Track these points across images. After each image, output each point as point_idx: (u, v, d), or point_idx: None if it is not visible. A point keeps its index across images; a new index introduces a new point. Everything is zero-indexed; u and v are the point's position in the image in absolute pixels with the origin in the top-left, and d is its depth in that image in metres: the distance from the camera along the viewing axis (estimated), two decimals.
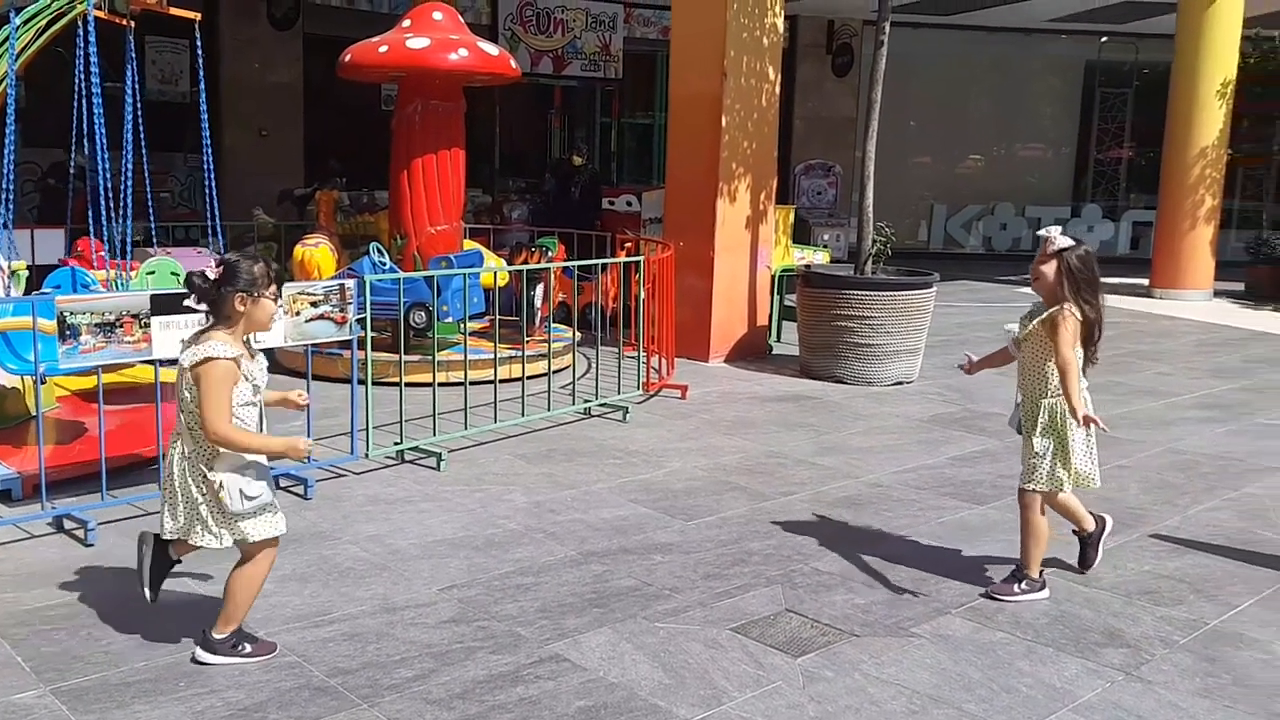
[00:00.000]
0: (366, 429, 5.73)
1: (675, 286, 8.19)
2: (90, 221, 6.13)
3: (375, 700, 3.31)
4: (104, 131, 5.73)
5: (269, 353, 3.72)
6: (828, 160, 19.07)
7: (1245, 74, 14.77)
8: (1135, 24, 18.58)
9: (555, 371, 7.29)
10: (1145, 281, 15.05)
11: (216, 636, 3.49)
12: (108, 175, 5.76)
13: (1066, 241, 4.07)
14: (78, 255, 7.72)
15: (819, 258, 11.94)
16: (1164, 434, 7.03)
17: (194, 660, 3.49)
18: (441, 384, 6.44)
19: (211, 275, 3.37)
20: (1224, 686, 3.56)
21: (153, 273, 6.79)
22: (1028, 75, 20.86)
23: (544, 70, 17.09)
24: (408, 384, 6.26)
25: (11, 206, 5.78)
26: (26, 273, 6.46)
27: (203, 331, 3.43)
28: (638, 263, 7.56)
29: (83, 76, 5.79)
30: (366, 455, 5.74)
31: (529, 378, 6.88)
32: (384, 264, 7.85)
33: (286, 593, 4.08)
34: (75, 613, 3.87)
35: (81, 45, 5.74)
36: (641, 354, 7.66)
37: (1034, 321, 4.12)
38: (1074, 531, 4.48)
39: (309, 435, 5.52)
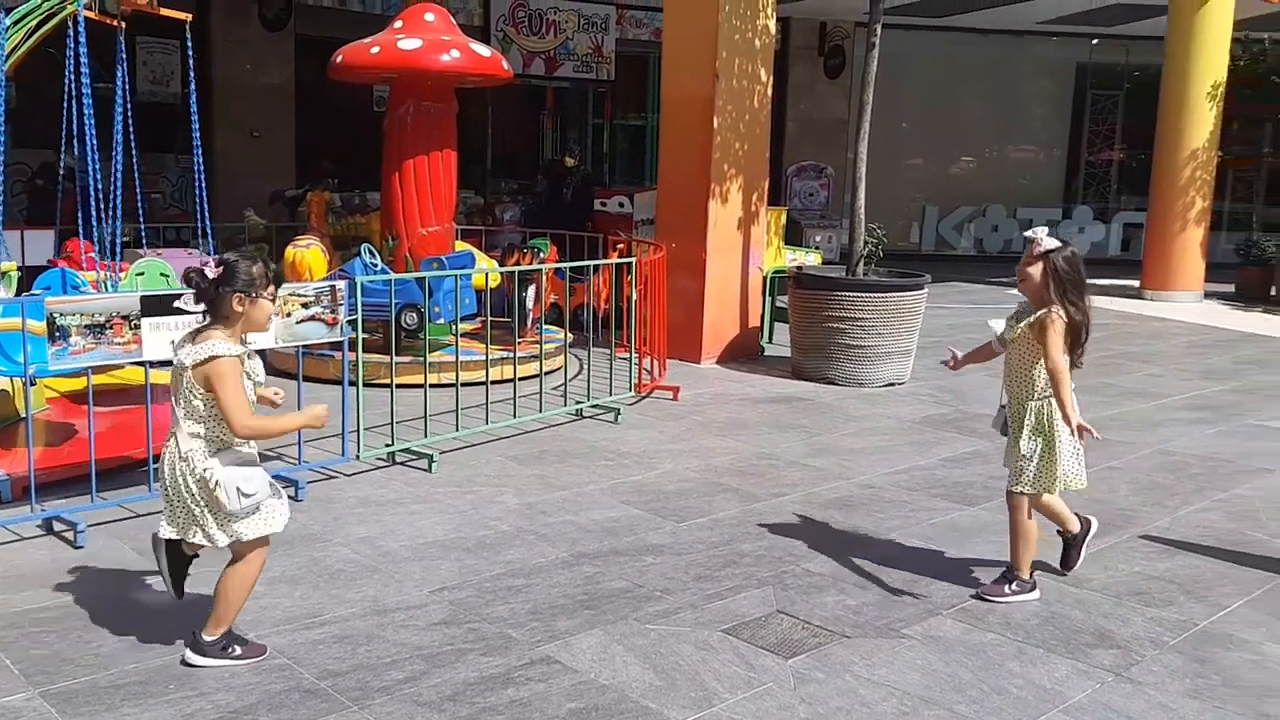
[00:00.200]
0: (358, 430, 5.72)
1: (667, 288, 8.20)
2: (80, 223, 6.11)
3: (365, 703, 3.30)
4: (94, 132, 5.72)
5: (260, 354, 3.71)
6: (820, 162, 19.09)
7: (1235, 76, 14.83)
8: (1126, 26, 18.63)
9: (547, 373, 7.29)
10: (1136, 283, 15.09)
11: (206, 638, 3.48)
12: (98, 176, 5.74)
13: (1053, 243, 4.06)
14: (66, 256, 7.69)
15: (811, 259, 11.95)
16: (1154, 435, 7.05)
17: (184, 662, 3.48)
18: (433, 385, 6.43)
19: (210, 275, 3.37)
20: (1214, 687, 3.57)
21: (142, 274, 6.77)
22: (1019, 77, 20.91)
23: (536, 71, 17.08)
24: (399, 385, 6.24)
25: (1, 208, 5.76)
26: (18, 274, 6.44)
27: (201, 330, 3.42)
28: (630, 264, 7.56)
29: (73, 77, 5.77)
30: (358, 457, 5.73)
31: (521, 379, 6.87)
32: (375, 265, 7.84)
33: (277, 595, 4.07)
34: (64, 615, 3.85)
35: (72, 46, 5.73)
36: (633, 355, 7.66)
37: (1021, 324, 4.12)
38: (1058, 532, 4.48)
39: (299, 435, 5.53)
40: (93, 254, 6.46)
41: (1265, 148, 19.12)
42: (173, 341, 3.63)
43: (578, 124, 18.74)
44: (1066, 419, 4.00)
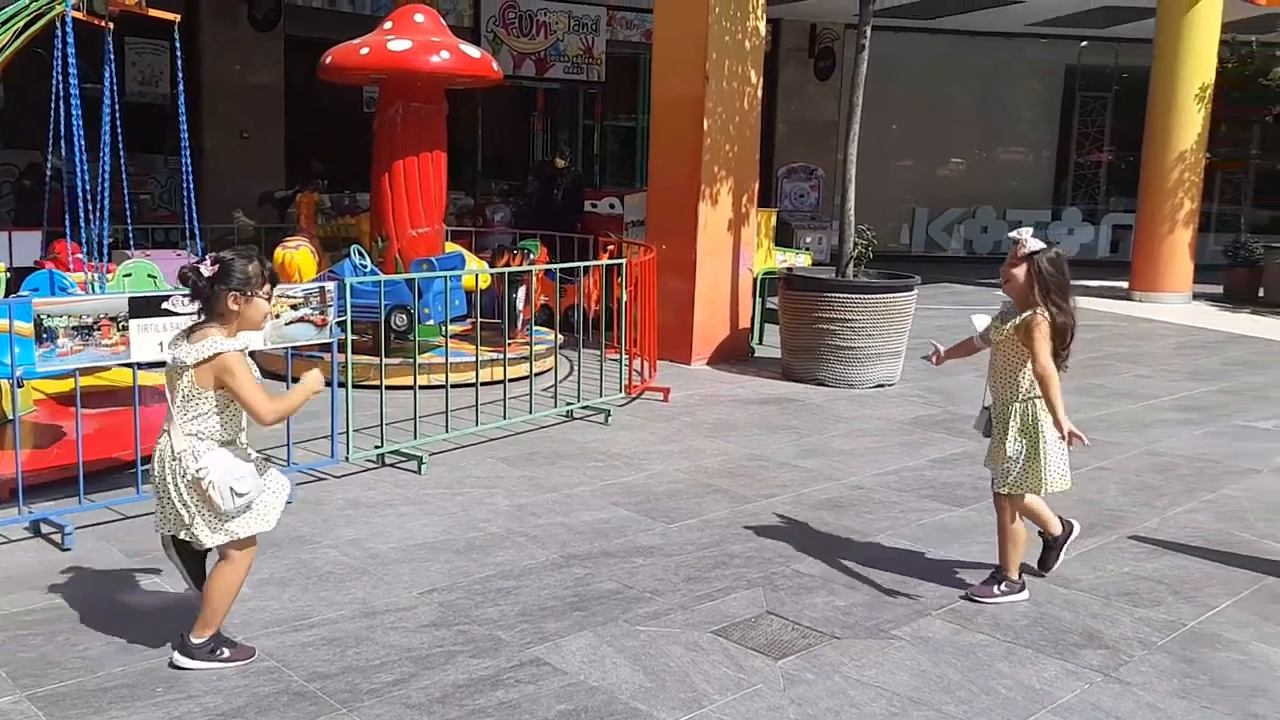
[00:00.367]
0: (347, 432, 5.70)
1: (657, 289, 8.20)
2: (67, 224, 6.09)
3: (354, 705, 3.29)
4: (82, 133, 5.69)
5: (250, 355, 3.70)
6: (810, 163, 19.12)
7: (1223, 79, 14.90)
8: (1115, 29, 18.70)
9: (537, 374, 7.28)
10: (1125, 284, 15.15)
11: (195, 641, 3.47)
12: (85, 177, 5.72)
13: (1037, 244, 4.06)
14: (53, 258, 7.66)
15: (801, 260, 11.97)
16: (1142, 436, 7.08)
17: (172, 665, 3.47)
18: (423, 387, 6.42)
19: (206, 272, 3.36)
20: (1201, 687, 3.58)
21: (129, 275, 6.75)
22: (1008, 79, 20.98)
23: (526, 73, 17.07)
24: (389, 387, 6.23)
25: None
26: (6, 275, 6.41)
27: (196, 328, 3.41)
28: (620, 265, 7.56)
29: (61, 78, 5.75)
30: (347, 458, 5.72)
31: (511, 380, 6.87)
32: (365, 266, 7.83)
33: (265, 597, 4.05)
34: (52, 618, 3.84)
35: (60, 46, 5.71)
36: (624, 356, 7.66)
37: (1007, 325, 4.12)
38: (1039, 533, 4.48)
39: (289, 438, 5.51)
40: (79, 255, 6.43)
41: (1253, 150, 19.20)
42: (161, 344, 3.62)
43: (568, 125, 18.73)
44: (1058, 424, 3.99)
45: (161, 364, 3.82)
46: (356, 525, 4.93)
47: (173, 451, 3.36)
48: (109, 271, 6.58)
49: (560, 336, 8.56)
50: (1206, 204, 16.63)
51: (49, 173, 7.21)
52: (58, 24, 5.75)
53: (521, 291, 8.46)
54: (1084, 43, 20.20)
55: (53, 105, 5.85)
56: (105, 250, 6.22)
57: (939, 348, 4.53)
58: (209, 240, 9.17)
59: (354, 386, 5.83)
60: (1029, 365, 4.06)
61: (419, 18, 8.24)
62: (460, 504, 5.29)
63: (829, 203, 18.56)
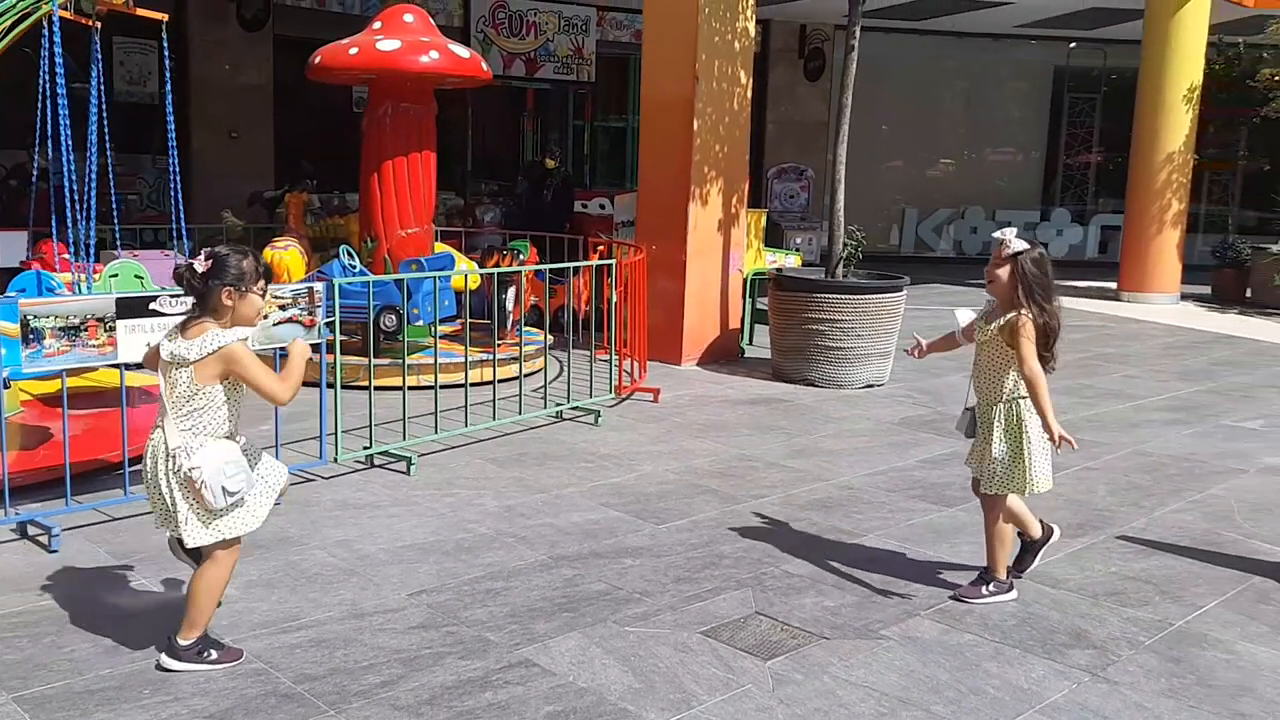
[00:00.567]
0: (335, 433, 5.69)
1: (647, 290, 8.20)
2: (54, 224, 6.06)
3: (342, 707, 3.28)
4: (69, 133, 5.67)
5: None
6: (800, 164, 19.13)
7: (1211, 80, 14.96)
8: (1103, 30, 18.76)
9: (527, 375, 7.28)
10: (1113, 285, 15.19)
11: (182, 643, 3.45)
12: (72, 177, 5.70)
13: (1021, 245, 4.05)
14: (39, 258, 7.63)
15: (790, 261, 11.98)
16: (1130, 436, 7.10)
17: (159, 667, 3.46)
18: (412, 388, 6.41)
19: (199, 268, 3.36)
20: (1188, 687, 3.60)
21: (116, 275, 6.72)
22: (997, 80, 21.02)
23: (516, 73, 17.04)
24: (377, 388, 6.22)
25: None
26: None
27: (191, 323, 3.40)
28: (610, 266, 7.56)
29: (48, 77, 5.72)
30: (335, 459, 5.71)
31: (500, 381, 6.86)
32: (354, 267, 7.81)
33: (253, 598, 4.04)
34: (38, 620, 3.82)
35: (47, 45, 5.68)
36: (614, 357, 7.66)
37: (992, 326, 4.13)
38: (1019, 535, 4.45)
39: (276, 439, 5.49)
40: (66, 256, 6.40)
41: (1240, 151, 19.28)
42: (149, 344, 3.60)
43: (558, 125, 18.71)
44: (1047, 427, 3.99)
45: None
46: (345, 526, 4.91)
47: (166, 448, 3.35)
48: (96, 272, 6.55)
49: (550, 337, 8.56)
50: (1194, 205, 16.70)
51: (35, 172, 7.17)
52: (45, 23, 5.72)
53: (511, 292, 8.46)
54: (1073, 44, 20.26)
55: (40, 105, 5.82)
56: (92, 250, 6.19)
57: (921, 341, 4.54)
58: (197, 240, 9.15)
59: (343, 387, 5.82)
60: (1014, 366, 4.07)
61: (408, 18, 8.23)
62: (449, 505, 5.28)
63: (819, 203, 18.58)
